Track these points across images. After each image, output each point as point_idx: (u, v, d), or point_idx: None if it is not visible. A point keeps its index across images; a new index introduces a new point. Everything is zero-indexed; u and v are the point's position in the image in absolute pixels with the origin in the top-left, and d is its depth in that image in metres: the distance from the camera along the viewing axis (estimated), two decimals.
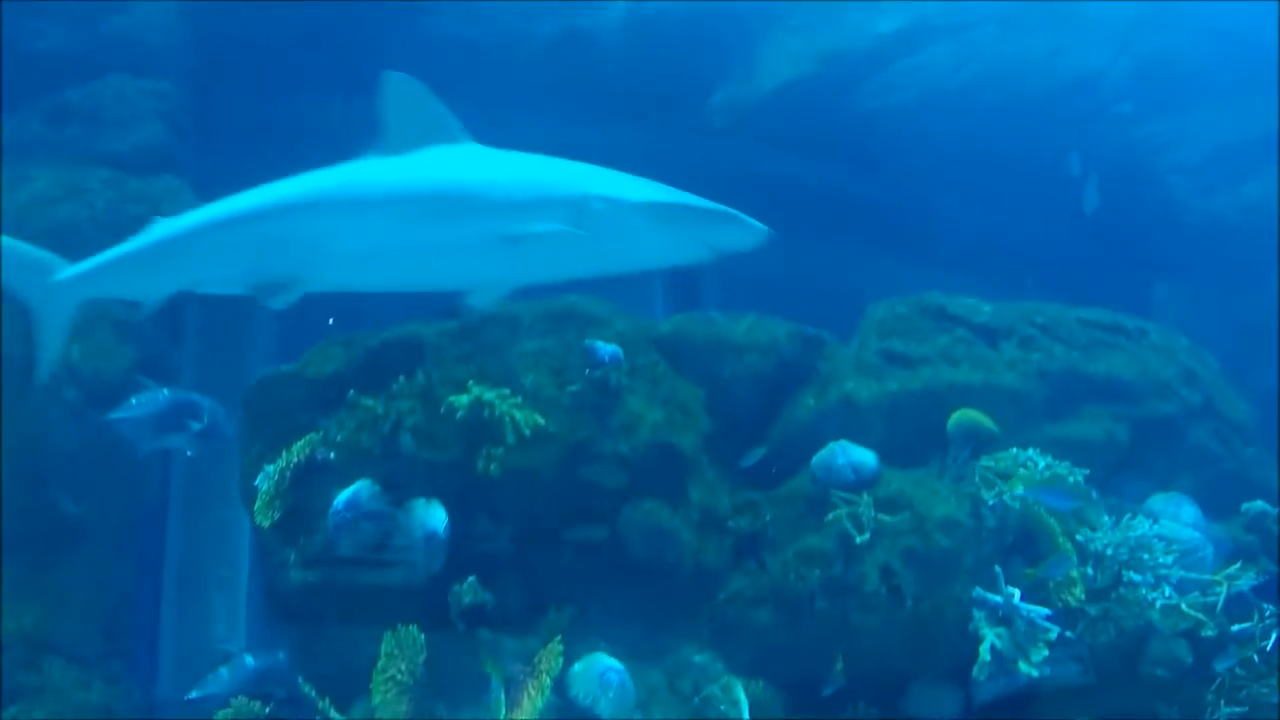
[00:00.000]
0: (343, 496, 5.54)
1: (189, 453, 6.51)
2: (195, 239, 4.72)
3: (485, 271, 4.70)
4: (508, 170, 4.40)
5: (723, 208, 4.41)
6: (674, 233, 4.48)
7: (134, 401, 6.24)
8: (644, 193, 4.36)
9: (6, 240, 4.78)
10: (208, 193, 7.86)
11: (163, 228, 4.83)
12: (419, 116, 4.46)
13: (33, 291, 4.84)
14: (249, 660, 5.87)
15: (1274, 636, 5.78)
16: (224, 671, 5.85)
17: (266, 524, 5.68)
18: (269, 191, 4.63)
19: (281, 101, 8.40)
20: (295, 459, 5.70)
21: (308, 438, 5.77)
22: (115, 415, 6.26)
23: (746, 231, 4.45)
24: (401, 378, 5.81)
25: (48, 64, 8.07)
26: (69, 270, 4.83)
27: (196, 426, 6.21)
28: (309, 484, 5.69)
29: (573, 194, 4.25)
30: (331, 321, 6.43)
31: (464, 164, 4.43)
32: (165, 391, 6.29)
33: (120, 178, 7.68)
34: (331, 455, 5.72)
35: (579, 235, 4.21)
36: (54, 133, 7.98)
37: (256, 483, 5.78)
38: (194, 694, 5.83)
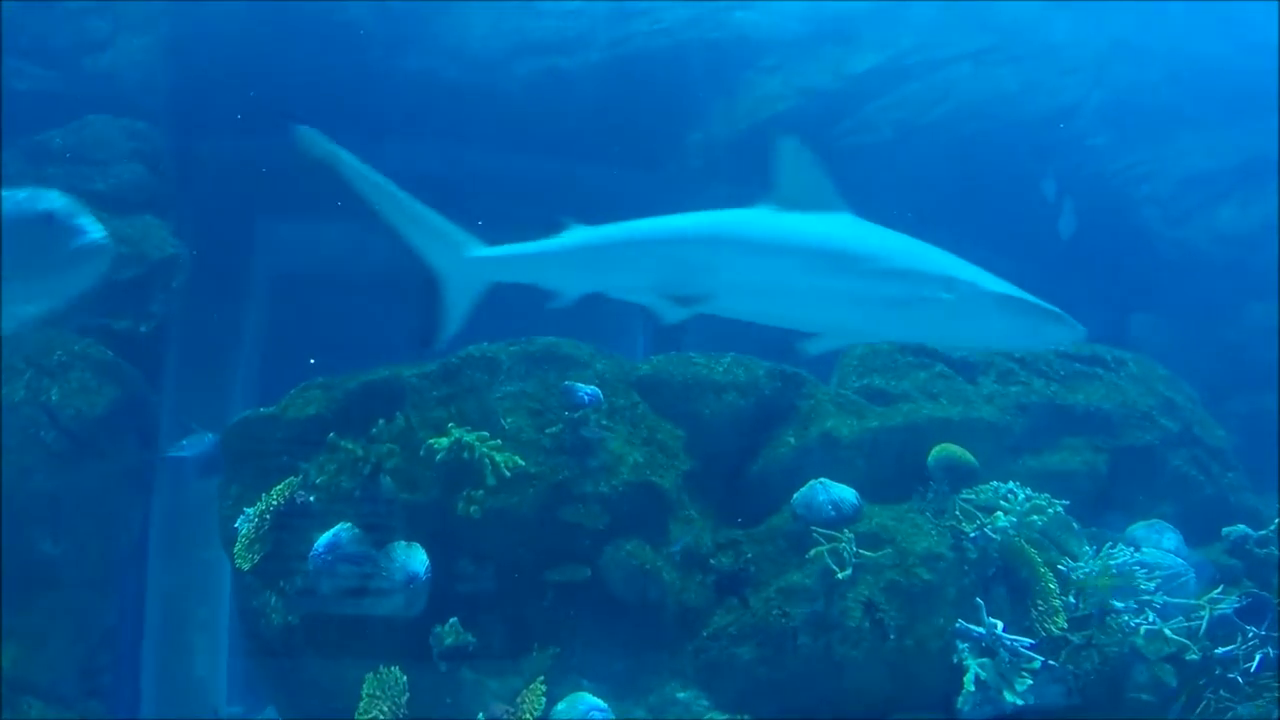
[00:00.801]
0: (323, 539, 5.54)
1: None
2: (613, 249, 5.13)
3: (853, 322, 5.12)
4: (892, 242, 4.95)
5: (1056, 309, 4.87)
6: (1016, 323, 4.91)
7: (184, 443, 6.78)
8: (1001, 285, 4.85)
9: (427, 210, 5.07)
10: (187, 232, 7.94)
11: (581, 234, 5.14)
12: (807, 178, 4.99)
13: (446, 263, 5.14)
14: None
15: (1258, 658, 5.80)
16: None
17: (247, 566, 5.67)
18: (682, 220, 5.09)
19: (261, 141, 8.41)
20: (275, 502, 5.70)
21: (288, 481, 5.78)
22: (170, 454, 6.42)
23: (1072, 330, 4.94)
24: (381, 420, 5.84)
25: (28, 103, 8.08)
26: (484, 250, 5.13)
27: None
28: (289, 527, 5.68)
29: (943, 273, 4.76)
30: (312, 362, 6.44)
31: (852, 229, 4.98)
32: (210, 435, 6.94)
33: (100, 217, 7.61)
34: (311, 498, 5.72)
35: (948, 307, 4.72)
36: (34, 171, 7.96)
37: (236, 525, 5.77)
38: None
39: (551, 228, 5.11)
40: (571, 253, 5.08)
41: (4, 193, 4.29)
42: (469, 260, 5.10)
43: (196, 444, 7.10)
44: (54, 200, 4.25)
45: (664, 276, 4.94)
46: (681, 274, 4.91)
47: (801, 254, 4.86)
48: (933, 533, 5.86)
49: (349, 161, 4.83)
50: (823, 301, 4.88)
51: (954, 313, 4.75)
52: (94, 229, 4.25)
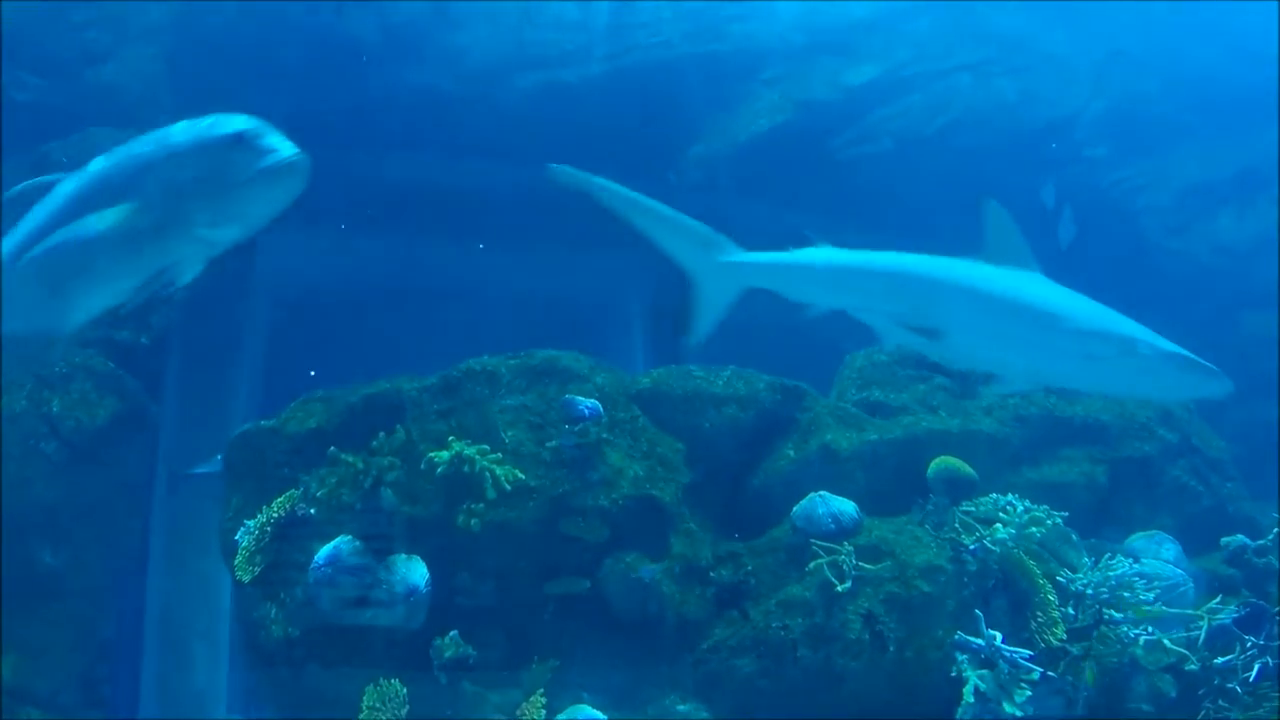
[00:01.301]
0: (324, 552, 5.55)
1: None
2: (854, 274, 5.54)
3: (1049, 370, 5.59)
4: (1084, 304, 5.47)
5: (1213, 366, 5.30)
6: (1181, 380, 5.36)
7: (219, 459, 6.67)
8: (1170, 345, 5.34)
9: (682, 216, 5.37)
10: None
11: (827, 253, 5.52)
12: (1010, 239, 5.51)
13: (699, 266, 5.42)
14: None
15: (1257, 668, 5.82)
16: None
17: (247, 579, 5.69)
18: (919, 260, 5.52)
19: None
20: (276, 514, 5.71)
21: (288, 493, 5.79)
22: (199, 470, 6.52)
23: (1223, 385, 5.32)
24: (382, 434, 5.87)
25: (30, 116, 8.10)
26: (739, 255, 5.43)
27: None
28: (290, 539, 5.71)
29: (1127, 334, 5.31)
30: (313, 375, 6.46)
31: (1051, 289, 5.50)
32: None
33: None
34: (312, 511, 5.74)
35: (1134, 366, 5.26)
36: None
37: (237, 538, 5.79)
38: None
39: (801, 242, 5.52)
40: (816, 270, 5.47)
41: (185, 122, 4.34)
42: (722, 264, 5.41)
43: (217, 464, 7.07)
44: (241, 122, 4.24)
45: (898, 307, 5.44)
46: (913, 308, 5.41)
47: (1014, 308, 5.37)
48: (932, 545, 5.87)
49: (601, 184, 5.24)
50: (1027, 350, 5.39)
51: (1139, 370, 5.29)
52: (284, 146, 4.22)
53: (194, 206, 4.28)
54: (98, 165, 4.57)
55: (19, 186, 4.80)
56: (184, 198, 4.26)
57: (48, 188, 4.69)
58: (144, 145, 4.44)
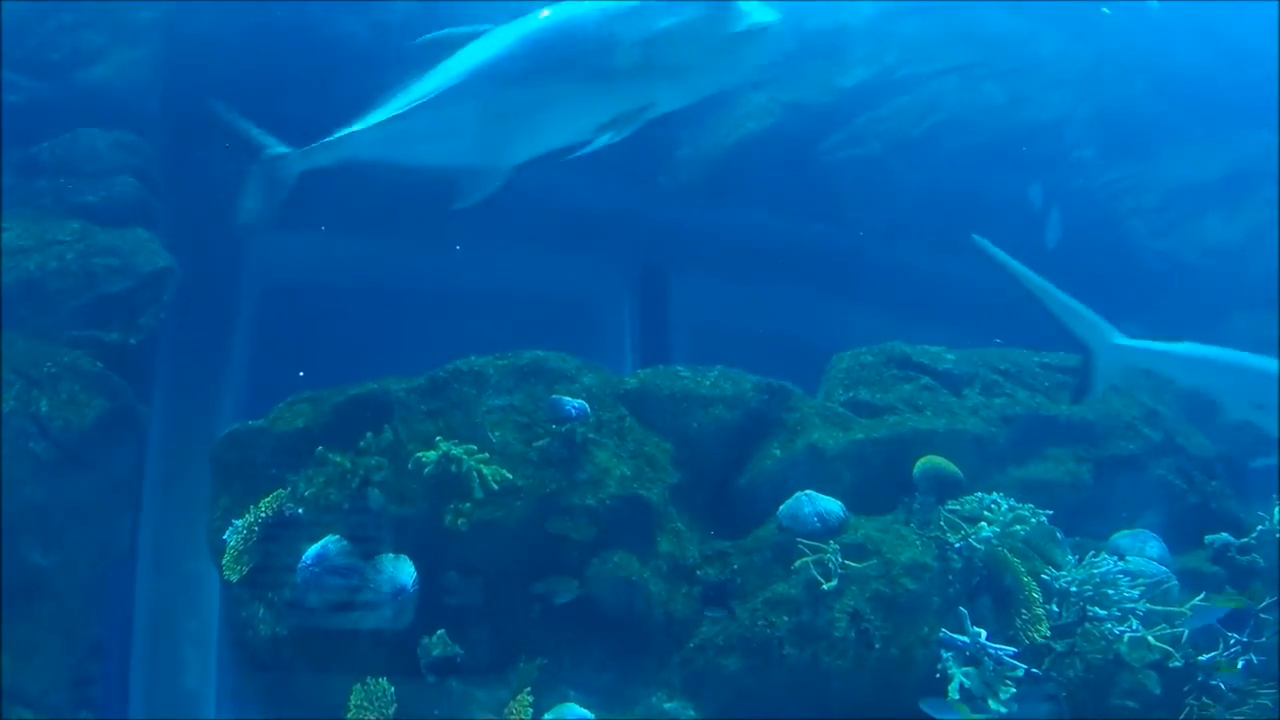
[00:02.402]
0: (311, 551, 5.57)
1: None
2: (1217, 366, 6.78)
3: None
4: None
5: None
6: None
7: None
8: None
9: (1079, 304, 6.47)
10: (178, 245, 7.97)
11: (1195, 349, 6.77)
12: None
13: (1097, 345, 6.57)
14: None
15: (1240, 664, 5.91)
16: None
17: (235, 578, 5.69)
18: (1261, 358, 6.73)
19: (254, 155, 8.44)
20: (263, 514, 5.72)
21: (276, 493, 5.80)
22: None
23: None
24: (369, 434, 5.88)
25: (20, 116, 8.08)
26: (1126, 340, 6.58)
27: None
28: (277, 539, 5.71)
29: None
30: (301, 375, 6.47)
31: None
32: None
33: (91, 230, 7.68)
34: (300, 511, 5.75)
35: None
36: (24, 184, 7.98)
37: (225, 537, 5.79)
38: None
39: (1172, 337, 6.71)
40: (1185, 359, 6.71)
41: None
42: (1114, 346, 6.56)
43: None
44: None
45: (1244, 392, 6.62)
46: (1255, 392, 6.55)
47: None
48: (918, 543, 5.91)
49: (1016, 267, 6.35)
50: None
51: None
52: (764, 13, 4.62)
53: (671, 57, 4.53)
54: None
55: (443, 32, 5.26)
56: (662, 48, 4.50)
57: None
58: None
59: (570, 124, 5.30)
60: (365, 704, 5.35)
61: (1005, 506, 6.12)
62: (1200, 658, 5.90)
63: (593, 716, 5.45)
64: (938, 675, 5.57)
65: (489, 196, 6.61)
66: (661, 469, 6.18)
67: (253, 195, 5.79)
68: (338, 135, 5.86)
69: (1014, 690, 5.50)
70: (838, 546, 5.77)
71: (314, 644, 5.62)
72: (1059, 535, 6.46)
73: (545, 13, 5.33)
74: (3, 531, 6.72)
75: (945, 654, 5.64)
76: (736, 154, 9.23)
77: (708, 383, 6.50)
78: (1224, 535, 6.84)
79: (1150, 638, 5.81)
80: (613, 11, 4.97)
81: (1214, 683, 5.87)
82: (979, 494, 6.22)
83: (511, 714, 5.39)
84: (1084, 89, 9.74)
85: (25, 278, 7.22)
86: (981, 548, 5.92)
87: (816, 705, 5.63)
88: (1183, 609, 5.97)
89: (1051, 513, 6.22)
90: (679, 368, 6.66)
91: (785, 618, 5.69)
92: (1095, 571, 6.10)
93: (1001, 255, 6.30)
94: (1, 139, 7.69)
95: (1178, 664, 5.82)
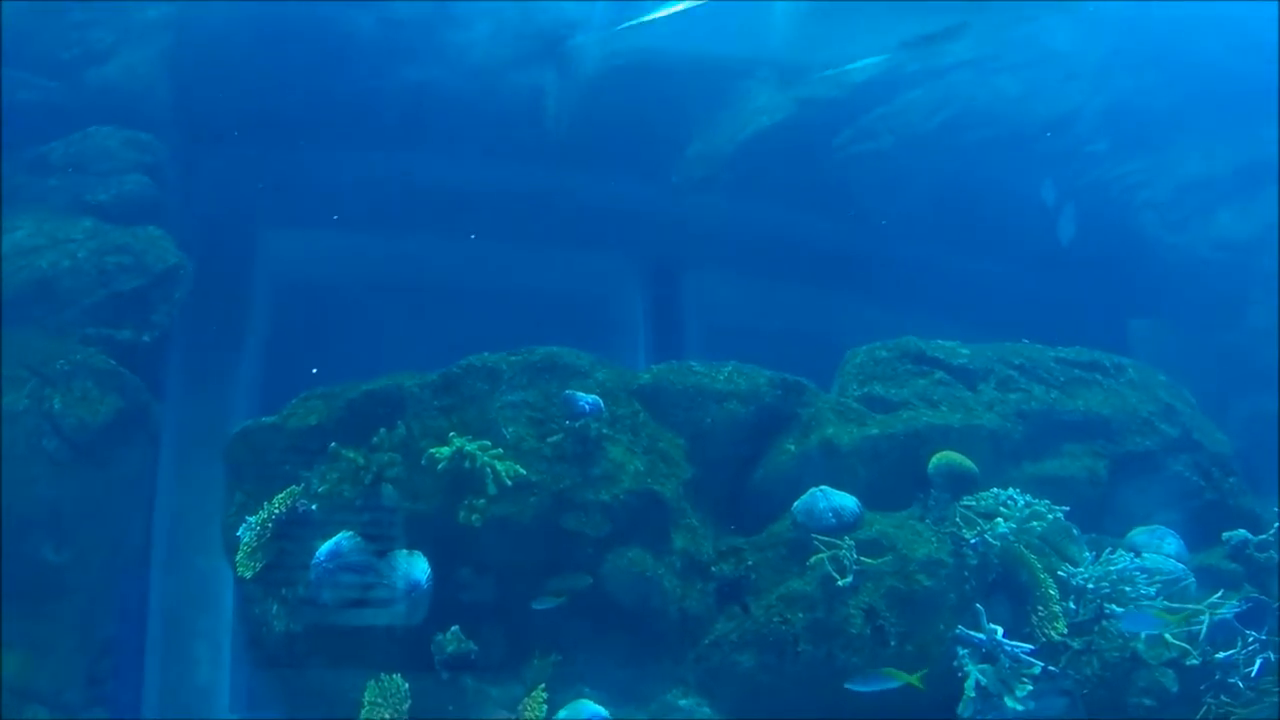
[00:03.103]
0: (325, 548, 5.57)
1: None
2: None
3: None
4: None
5: None
6: None
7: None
8: None
9: None
10: (190, 242, 7.98)
11: None
12: None
13: None
14: None
15: (1258, 663, 5.83)
16: None
17: (249, 574, 5.69)
18: None
19: (263, 152, 8.46)
20: (277, 510, 5.71)
21: (289, 489, 5.79)
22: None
23: None
24: (383, 430, 5.88)
25: (31, 114, 8.11)
26: None
27: None
28: (291, 535, 5.70)
29: None
30: (315, 371, 6.46)
31: None
32: None
33: (102, 228, 7.70)
34: (313, 507, 5.74)
35: None
36: (37, 183, 8.00)
37: (239, 534, 5.78)
38: None
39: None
40: None
41: None
42: None
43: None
44: None
45: None
46: None
47: None
48: (933, 540, 5.88)
49: None
50: None
51: None
52: None
53: None
54: None
55: None
56: None
57: None
58: None
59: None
60: (379, 700, 5.35)
61: (1021, 502, 6.09)
62: (1218, 655, 5.84)
63: (607, 713, 5.44)
64: (959, 674, 5.54)
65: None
66: (675, 464, 6.16)
67: None
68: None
69: (1030, 688, 5.47)
70: (853, 543, 5.75)
71: (328, 640, 5.62)
72: (1075, 531, 6.44)
73: None
74: (16, 529, 6.74)
75: (961, 651, 5.61)
76: (748, 150, 9.21)
77: (721, 378, 6.48)
78: (1242, 532, 6.80)
79: (1168, 635, 5.77)
80: None
81: (1232, 680, 5.82)
82: (995, 490, 6.20)
83: (526, 711, 5.38)
84: (1097, 83, 9.68)
85: (38, 276, 7.24)
86: (997, 544, 5.89)
87: (832, 703, 5.60)
88: (1200, 606, 5.93)
89: (1068, 509, 6.18)
90: (692, 363, 6.63)
91: (800, 614, 5.67)
92: (1112, 568, 6.06)
93: None
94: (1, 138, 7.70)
95: (1195, 661, 5.77)
